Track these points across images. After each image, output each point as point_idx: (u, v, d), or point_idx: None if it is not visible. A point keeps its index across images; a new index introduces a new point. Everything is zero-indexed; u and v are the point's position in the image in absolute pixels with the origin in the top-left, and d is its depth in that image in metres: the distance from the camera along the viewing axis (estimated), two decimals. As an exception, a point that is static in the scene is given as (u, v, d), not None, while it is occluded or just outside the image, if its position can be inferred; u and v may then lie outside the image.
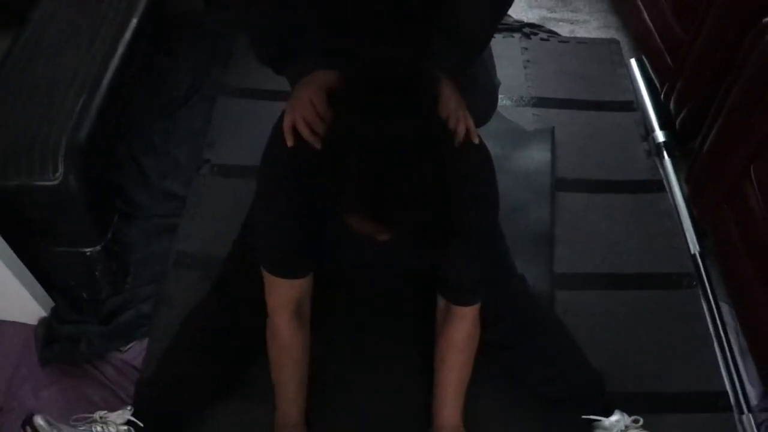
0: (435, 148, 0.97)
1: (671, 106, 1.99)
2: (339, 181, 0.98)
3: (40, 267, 1.56)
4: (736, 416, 1.48)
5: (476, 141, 1.17)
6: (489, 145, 1.25)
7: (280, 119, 1.17)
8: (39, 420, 1.21)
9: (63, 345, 1.55)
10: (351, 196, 0.98)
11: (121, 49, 1.68)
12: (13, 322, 1.61)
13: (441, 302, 1.34)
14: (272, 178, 1.22)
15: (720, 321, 1.62)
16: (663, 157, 1.98)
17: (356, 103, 0.99)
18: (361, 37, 1.15)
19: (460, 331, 1.30)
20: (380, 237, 1.04)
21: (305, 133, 1.10)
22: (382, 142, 0.94)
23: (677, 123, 1.97)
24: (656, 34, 2.10)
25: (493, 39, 1.38)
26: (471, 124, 1.15)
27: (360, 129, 0.96)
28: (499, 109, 1.96)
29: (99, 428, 1.28)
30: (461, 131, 1.13)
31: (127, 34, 1.73)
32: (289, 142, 1.13)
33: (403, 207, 0.96)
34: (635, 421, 1.31)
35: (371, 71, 1.01)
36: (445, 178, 0.97)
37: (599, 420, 1.32)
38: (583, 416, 1.33)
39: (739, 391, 1.50)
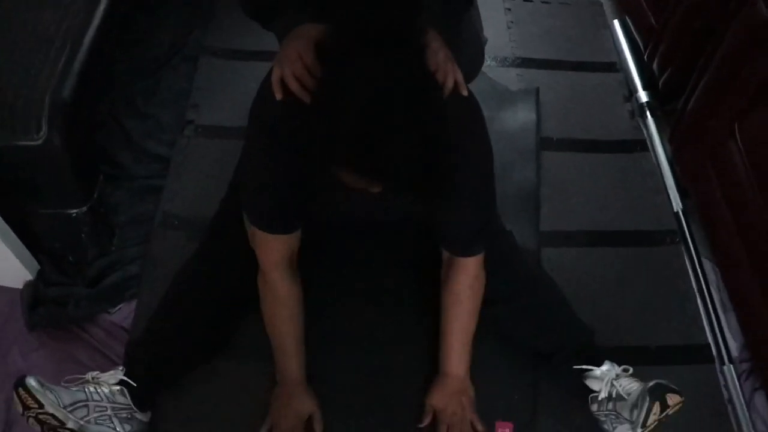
0: (423, 100, 0.97)
1: (655, 66, 2.00)
2: (328, 136, 0.97)
3: (26, 229, 1.53)
4: (718, 367, 1.53)
5: (465, 93, 1.17)
6: (474, 104, 1.26)
7: (269, 74, 1.16)
8: (31, 381, 1.19)
9: (50, 308, 1.54)
10: (340, 151, 0.97)
11: (102, 5, 1.63)
12: (-1, 286, 1.59)
13: (444, 255, 1.35)
14: (261, 133, 1.20)
15: (702, 276, 1.66)
16: (646, 117, 2.00)
17: (344, 57, 0.98)
18: None
19: (464, 282, 1.32)
20: (371, 190, 1.04)
21: (294, 87, 1.09)
22: (369, 96, 0.93)
23: (660, 83, 1.98)
24: (640, -5, 2.11)
25: (478, -2, 1.38)
26: (460, 76, 1.15)
27: (347, 83, 0.96)
28: (483, 69, 1.96)
29: (92, 388, 1.27)
30: (450, 84, 1.12)
31: (109, -9, 1.69)
32: (278, 96, 1.11)
33: (392, 160, 0.95)
34: (625, 370, 1.34)
35: (358, 24, 1.00)
36: (434, 131, 0.97)
37: (591, 370, 1.35)
38: (575, 366, 1.36)
39: (721, 344, 1.55)
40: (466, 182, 1.20)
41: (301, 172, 1.18)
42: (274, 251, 1.29)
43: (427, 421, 1.36)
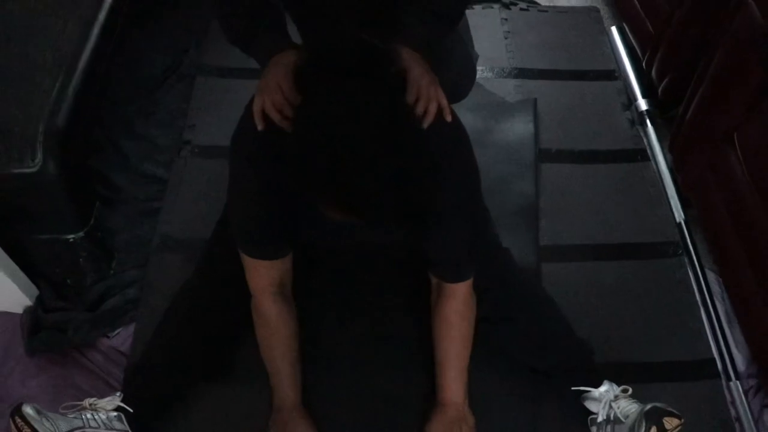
0: (398, 133, 0.97)
1: (653, 74, 1.99)
2: (306, 172, 0.98)
3: (24, 255, 1.54)
4: (724, 383, 1.50)
5: (449, 119, 1.15)
6: (471, 118, 1.25)
7: (251, 101, 1.16)
8: (27, 409, 1.19)
9: (50, 333, 1.54)
10: (318, 187, 0.98)
11: (96, 29, 1.64)
12: (-2, 312, 1.59)
13: (433, 280, 1.34)
14: (244, 160, 1.21)
15: (706, 288, 1.63)
16: (646, 125, 1.98)
17: (319, 87, 0.99)
18: (325, 16, 1.13)
19: (453, 307, 1.30)
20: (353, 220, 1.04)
21: (275, 117, 1.09)
22: (342, 130, 0.94)
23: (659, 91, 1.97)
24: (636, 2, 2.09)
25: (471, 10, 1.36)
26: (444, 101, 1.14)
27: (322, 115, 0.96)
28: (480, 81, 1.95)
29: (89, 415, 1.26)
30: (432, 110, 1.11)
31: (102, 13, 1.69)
32: (260, 127, 1.12)
33: (367, 194, 0.96)
34: (624, 391, 1.32)
35: (333, 52, 1.01)
36: (410, 164, 0.97)
37: (589, 391, 1.33)
38: (573, 388, 1.34)
39: (727, 358, 1.52)
40: (450, 210, 1.20)
41: (284, 198, 1.17)
42: (263, 276, 1.28)
43: None
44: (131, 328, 1.56)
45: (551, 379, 1.40)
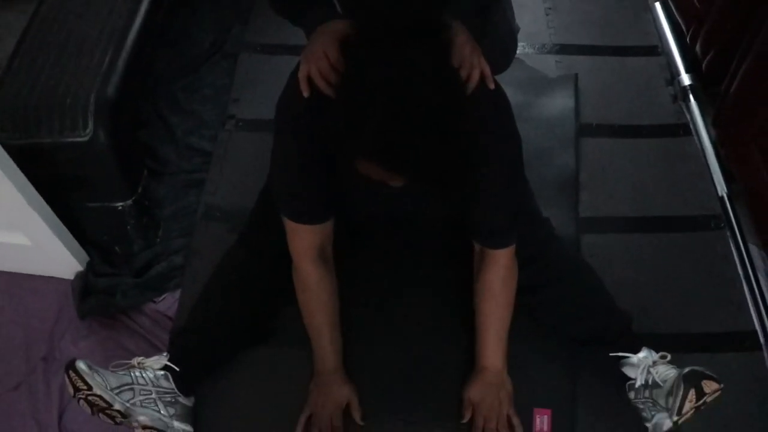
0: (445, 96, 0.98)
1: (697, 49, 1.95)
2: (351, 128, 0.99)
3: (75, 222, 1.59)
4: (766, 355, 1.48)
5: (491, 86, 1.16)
6: (511, 93, 1.25)
7: (296, 69, 1.18)
8: (80, 364, 1.24)
9: (99, 298, 1.59)
10: (363, 142, 0.99)
11: (144, 6, 1.69)
12: (51, 277, 1.66)
13: (476, 247, 1.36)
14: (288, 126, 1.23)
15: (749, 262, 1.61)
16: (689, 100, 1.95)
17: (367, 53, 1.00)
18: None
19: (495, 274, 1.32)
20: (392, 183, 1.06)
21: (320, 83, 1.10)
22: (390, 92, 0.95)
23: (703, 66, 1.93)
24: (682, -24, 2.06)
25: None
26: (487, 69, 1.15)
27: (370, 79, 0.97)
28: (521, 56, 1.95)
29: (137, 373, 1.31)
30: (475, 77, 1.12)
31: (150, -9, 1.74)
32: (305, 93, 1.13)
33: (412, 153, 0.97)
34: (663, 357, 1.31)
35: (383, 19, 1.02)
36: (454, 126, 0.98)
37: (627, 357, 1.33)
38: (611, 353, 1.34)
39: (768, 330, 1.50)
40: (492, 176, 1.21)
41: (327, 164, 1.20)
42: (303, 241, 1.31)
43: (468, 416, 1.36)
44: (177, 293, 1.61)
45: (589, 346, 1.41)
